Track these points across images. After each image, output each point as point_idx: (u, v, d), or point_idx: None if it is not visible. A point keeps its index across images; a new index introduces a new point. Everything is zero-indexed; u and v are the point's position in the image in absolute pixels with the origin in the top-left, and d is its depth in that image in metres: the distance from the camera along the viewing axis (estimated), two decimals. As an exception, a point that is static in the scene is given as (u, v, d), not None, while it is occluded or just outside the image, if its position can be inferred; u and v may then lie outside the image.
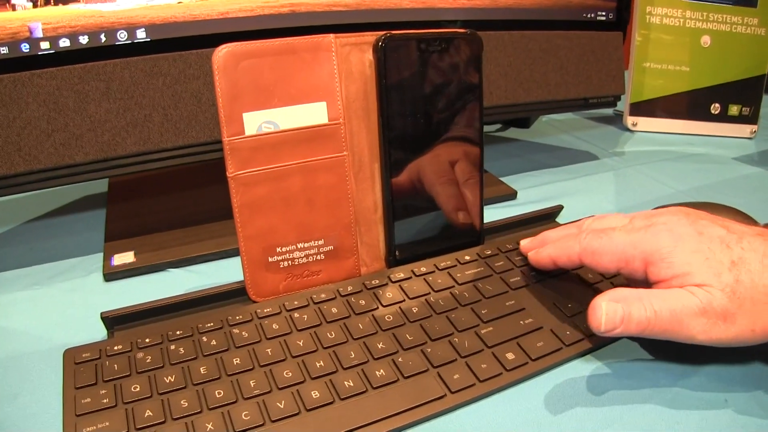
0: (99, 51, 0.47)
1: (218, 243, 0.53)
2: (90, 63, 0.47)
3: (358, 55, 0.43)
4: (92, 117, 0.48)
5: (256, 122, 0.41)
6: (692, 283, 0.36)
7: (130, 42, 0.48)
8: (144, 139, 0.49)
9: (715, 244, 0.37)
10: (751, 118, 0.87)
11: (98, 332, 0.42)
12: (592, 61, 0.68)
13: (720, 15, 0.84)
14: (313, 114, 0.42)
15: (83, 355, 0.38)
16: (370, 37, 0.43)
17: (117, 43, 0.47)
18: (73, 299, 0.48)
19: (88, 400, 0.35)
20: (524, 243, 0.48)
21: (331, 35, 0.42)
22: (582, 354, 0.41)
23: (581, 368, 0.40)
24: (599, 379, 0.39)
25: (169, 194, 0.63)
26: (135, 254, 0.51)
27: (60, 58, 0.46)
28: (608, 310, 0.37)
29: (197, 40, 0.49)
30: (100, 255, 0.53)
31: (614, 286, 0.46)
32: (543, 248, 0.44)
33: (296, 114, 0.41)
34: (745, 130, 0.87)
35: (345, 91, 0.43)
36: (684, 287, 0.36)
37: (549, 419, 0.36)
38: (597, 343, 0.41)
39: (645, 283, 0.39)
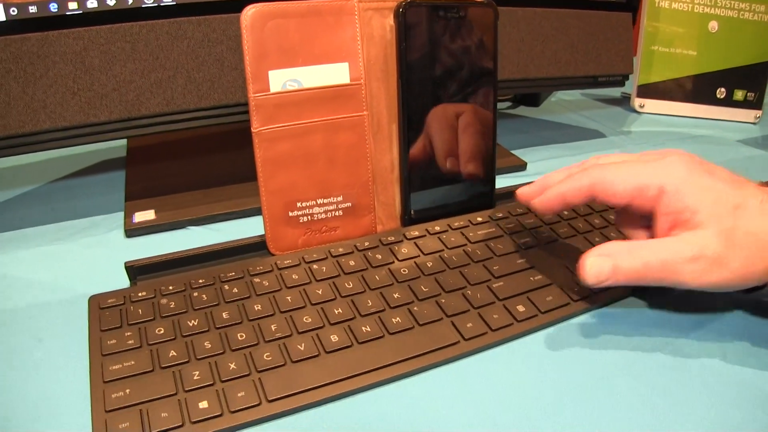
0: (125, 13, 0.48)
1: (237, 203, 0.54)
2: (116, 24, 0.48)
3: (379, 19, 0.44)
4: (117, 77, 0.49)
5: (280, 80, 0.42)
6: (693, 224, 0.37)
7: (156, 5, 0.49)
8: (168, 100, 0.51)
9: (722, 185, 0.38)
10: (756, 104, 0.88)
11: (120, 284, 0.43)
12: (602, 40, 0.69)
13: (728, 1, 0.85)
14: (335, 74, 0.43)
15: (108, 301, 0.40)
16: (392, 2, 0.44)
17: (143, 6, 0.49)
18: (95, 253, 0.50)
19: (114, 341, 0.37)
20: (522, 190, 0.45)
21: (355, 0, 0.43)
22: (589, 309, 0.43)
23: (588, 322, 0.42)
24: (605, 332, 0.41)
25: (187, 158, 0.65)
26: (155, 212, 0.53)
27: (87, 18, 0.48)
28: (593, 264, 0.38)
29: (221, 5, 0.50)
30: (121, 214, 0.54)
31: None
32: (549, 190, 0.42)
33: (319, 73, 0.43)
34: (750, 114, 0.89)
35: (366, 54, 0.44)
36: (679, 233, 0.37)
37: (556, 368, 0.38)
38: (604, 300, 0.43)
39: (643, 221, 0.41)
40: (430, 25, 0.45)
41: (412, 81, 0.46)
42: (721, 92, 0.88)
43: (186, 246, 0.48)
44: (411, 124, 0.46)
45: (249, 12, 0.41)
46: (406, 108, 0.46)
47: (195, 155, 0.65)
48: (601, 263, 0.38)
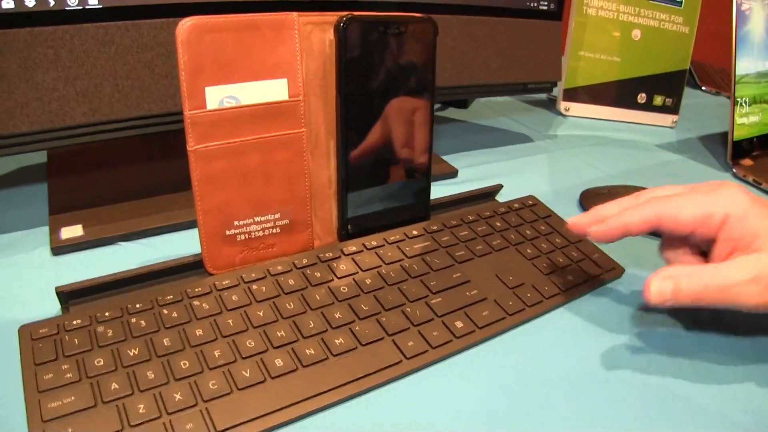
0: (47, 15, 0.46)
1: (169, 216, 0.53)
2: (37, 28, 0.46)
3: (319, 34, 0.44)
4: (39, 85, 0.46)
5: (217, 97, 0.41)
6: (753, 248, 0.39)
7: (80, 8, 0.47)
8: (94, 110, 0.48)
9: None
10: (673, 109, 0.94)
11: (50, 308, 0.41)
12: (533, 48, 0.71)
13: (650, 11, 0.90)
14: (274, 90, 0.43)
15: (40, 331, 0.38)
16: (332, 17, 0.44)
17: (67, 8, 0.46)
18: (20, 275, 0.46)
19: (51, 375, 0.35)
20: (575, 220, 0.45)
21: (294, 13, 0.42)
22: (523, 322, 0.44)
23: (522, 334, 0.44)
24: (537, 345, 0.43)
25: (113, 167, 0.62)
26: (83, 227, 0.51)
27: (4, 21, 0.45)
28: (657, 286, 0.39)
29: (151, 9, 0.48)
30: (45, 229, 0.51)
31: (551, 260, 0.49)
32: (611, 219, 0.43)
33: (257, 90, 0.42)
34: (668, 119, 0.94)
35: (305, 69, 0.44)
36: (738, 256, 0.39)
37: (493, 382, 0.39)
38: (536, 313, 0.45)
39: (692, 248, 0.43)
40: (371, 41, 0.45)
41: (351, 96, 0.45)
42: (642, 97, 0.93)
43: (118, 263, 0.46)
44: (349, 138, 0.46)
45: (185, 25, 0.39)
46: (344, 123, 0.46)
47: (122, 163, 0.63)
48: (663, 285, 0.39)
